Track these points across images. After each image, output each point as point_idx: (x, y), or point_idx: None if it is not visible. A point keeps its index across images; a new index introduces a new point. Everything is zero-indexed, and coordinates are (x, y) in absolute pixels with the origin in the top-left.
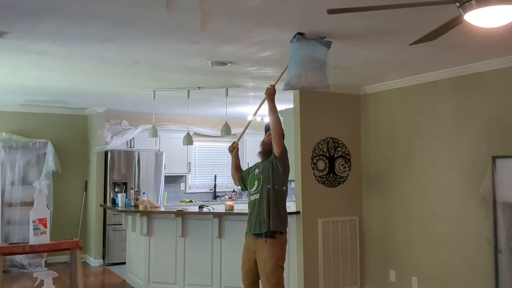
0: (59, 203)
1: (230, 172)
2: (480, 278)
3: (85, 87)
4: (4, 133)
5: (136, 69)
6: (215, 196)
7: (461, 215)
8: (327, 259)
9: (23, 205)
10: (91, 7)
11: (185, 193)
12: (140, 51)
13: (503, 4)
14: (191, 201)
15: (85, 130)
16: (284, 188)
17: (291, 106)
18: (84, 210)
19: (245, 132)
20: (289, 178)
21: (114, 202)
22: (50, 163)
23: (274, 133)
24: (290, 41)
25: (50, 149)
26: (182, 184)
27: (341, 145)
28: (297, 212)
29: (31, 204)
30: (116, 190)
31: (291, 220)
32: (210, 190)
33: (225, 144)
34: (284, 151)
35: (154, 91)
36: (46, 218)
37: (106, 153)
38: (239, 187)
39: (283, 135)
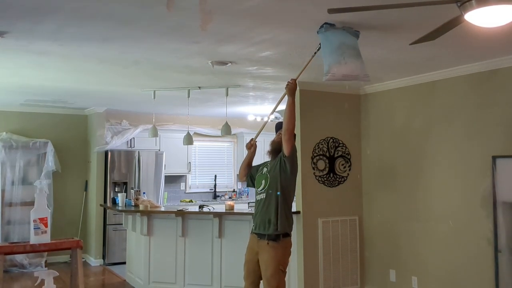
0: (59, 203)
1: (240, 167)
2: (480, 277)
3: (85, 87)
4: (4, 133)
5: (136, 69)
6: (215, 196)
7: (462, 215)
8: (327, 258)
9: (23, 205)
10: (92, 7)
11: (185, 193)
12: (140, 51)
13: (503, 4)
14: (191, 201)
15: (85, 130)
16: (292, 188)
17: None
18: (84, 210)
19: (242, 131)
20: None
21: (114, 202)
22: (50, 163)
23: (286, 130)
24: (317, 32)
25: (50, 149)
26: (182, 184)
27: (341, 144)
28: (297, 212)
29: (31, 204)
30: (116, 190)
31: None
32: (210, 190)
33: (225, 144)
34: (293, 151)
35: (154, 91)
36: (46, 217)
37: (106, 153)
38: (241, 184)
39: (295, 135)
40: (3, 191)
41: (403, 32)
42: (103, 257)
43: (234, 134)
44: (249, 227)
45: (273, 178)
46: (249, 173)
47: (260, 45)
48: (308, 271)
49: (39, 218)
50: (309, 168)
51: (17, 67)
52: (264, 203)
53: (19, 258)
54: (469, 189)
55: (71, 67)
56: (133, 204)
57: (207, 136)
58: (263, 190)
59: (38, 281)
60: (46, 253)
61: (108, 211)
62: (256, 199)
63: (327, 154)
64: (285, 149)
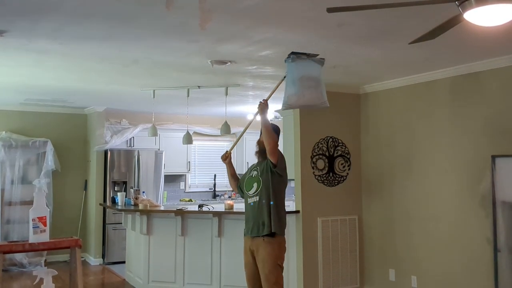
0: (59, 202)
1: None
2: (480, 277)
3: (85, 86)
4: (4, 132)
5: (135, 68)
6: (214, 195)
7: (461, 214)
8: (326, 258)
9: (22, 204)
10: (91, 5)
11: (184, 192)
12: (140, 50)
13: (502, 2)
14: (190, 200)
15: (84, 129)
16: (283, 190)
17: None
18: (84, 209)
19: (245, 131)
20: (289, 177)
21: (113, 201)
22: (49, 162)
23: (268, 145)
24: (285, 61)
25: (49, 148)
26: (182, 183)
27: (340, 144)
28: (297, 211)
29: (30, 203)
30: (115, 189)
31: (290, 219)
32: (210, 189)
33: (225, 143)
34: (280, 159)
35: (154, 90)
36: (45, 216)
37: (105, 152)
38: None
39: (278, 134)
40: (2, 190)
41: (402, 31)
42: (103, 256)
43: (233, 134)
44: None
45: (265, 181)
46: (239, 184)
47: (260, 44)
48: (307, 270)
49: (38, 217)
50: (309, 167)
51: (17, 66)
52: (258, 206)
53: (19, 257)
54: (468, 188)
55: (71, 66)
56: (133, 203)
57: (207, 136)
58: (255, 193)
59: (37, 280)
60: (45, 252)
61: (107, 210)
62: (247, 201)
63: (327, 154)
64: (273, 160)
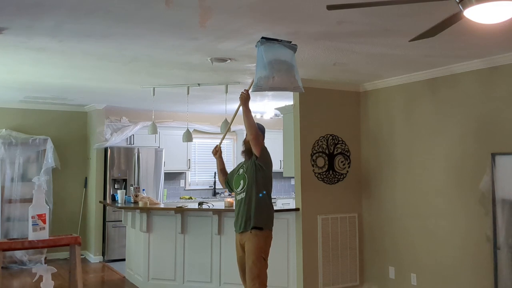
0: (59, 199)
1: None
2: (479, 274)
3: (84, 84)
4: (4, 130)
5: (135, 66)
6: (214, 193)
7: (461, 212)
8: (326, 255)
9: (22, 201)
10: (90, 3)
11: (184, 189)
12: (139, 48)
13: (502, 0)
14: (190, 198)
15: (84, 126)
16: (269, 185)
17: (291, 103)
18: (84, 207)
19: (242, 129)
20: (288, 175)
21: (113, 198)
22: (49, 159)
23: (250, 136)
24: (255, 46)
25: (49, 146)
26: (182, 181)
27: (340, 142)
28: (297, 209)
29: (30, 200)
30: (115, 187)
31: (290, 217)
32: (210, 187)
33: (225, 141)
34: (263, 150)
35: (154, 87)
36: (45, 214)
37: (105, 150)
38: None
39: (263, 132)
40: (2, 187)
41: (402, 29)
42: (103, 254)
43: (233, 131)
44: None
45: (251, 178)
46: (227, 179)
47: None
48: (307, 268)
49: (37, 215)
50: (309, 165)
51: (16, 63)
52: (244, 202)
53: (19, 254)
54: (468, 186)
55: (71, 63)
56: (133, 201)
57: (207, 133)
58: (242, 190)
59: (36, 277)
60: (45, 249)
61: (107, 208)
62: (236, 199)
63: (327, 151)
64: (255, 151)
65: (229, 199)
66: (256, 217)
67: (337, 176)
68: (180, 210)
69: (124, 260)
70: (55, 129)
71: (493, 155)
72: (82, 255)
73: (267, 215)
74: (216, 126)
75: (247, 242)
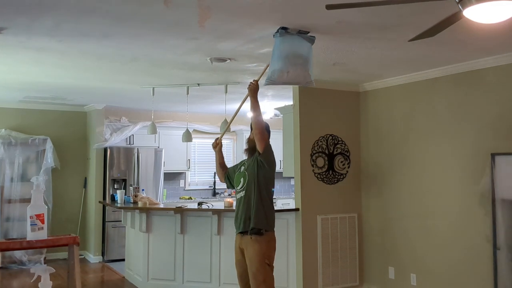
0: (59, 199)
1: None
2: (479, 275)
3: (84, 84)
4: (3, 130)
5: (135, 66)
6: (214, 193)
7: (460, 212)
8: (326, 256)
9: (22, 201)
10: (90, 3)
11: (184, 190)
12: (139, 47)
13: None
14: (190, 198)
15: (84, 126)
16: (270, 185)
17: (291, 103)
18: (83, 207)
19: (242, 129)
20: (288, 175)
21: (113, 198)
22: (49, 159)
23: (256, 130)
24: (273, 36)
25: (49, 146)
26: (182, 181)
27: (340, 142)
28: (296, 209)
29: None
30: (115, 187)
31: (290, 217)
32: (210, 187)
33: (225, 141)
34: (267, 147)
35: (153, 87)
36: (43, 213)
37: (105, 150)
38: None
39: (268, 132)
40: (2, 187)
41: (402, 29)
42: (102, 254)
43: (233, 131)
44: None
45: (251, 175)
46: (226, 174)
47: (259, 41)
48: (307, 268)
49: (35, 215)
50: (308, 165)
51: (15, 63)
52: (244, 200)
53: (18, 254)
54: (468, 186)
55: (70, 63)
56: (132, 201)
57: (206, 133)
58: (242, 188)
59: (35, 277)
60: (45, 250)
61: (107, 208)
62: (236, 197)
63: (326, 151)
64: (259, 147)
65: (229, 199)
66: (256, 217)
67: (336, 176)
68: (180, 210)
69: (123, 260)
70: (55, 129)
71: (493, 155)
72: (81, 255)
73: (267, 215)
74: (215, 126)
75: (248, 248)
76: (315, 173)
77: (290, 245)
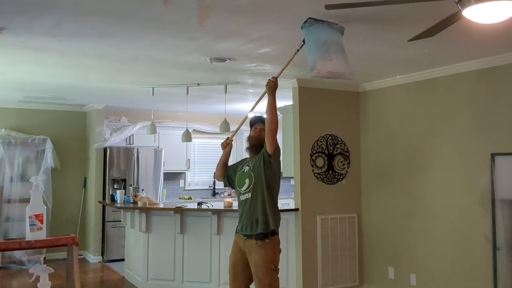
0: (58, 199)
1: (216, 167)
2: (479, 275)
3: (84, 84)
4: (3, 130)
5: (134, 65)
6: (214, 193)
7: (460, 213)
8: (325, 256)
9: (22, 201)
10: (89, 3)
11: (184, 190)
12: (138, 47)
13: None
14: (190, 198)
15: (84, 126)
16: (277, 185)
17: (290, 103)
18: (83, 207)
19: (242, 128)
20: (288, 175)
21: (113, 198)
22: (49, 159)
23: (270, 131)
24: (301, 27)
25: (49, 146)
26: (181, 181)
27: (340, 142)
28: (296, 209)
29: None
30: (115, 187)
31: (290, 217)
32: (210, 187)
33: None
34: (277, 149)
35: (153, 87)
36: (42, 214)
37: (105, 150)
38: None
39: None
40: (1, 187)
41: (401, 29)
42: (102, 254)
43: (233, 131)
44: None
45: (258, 176)
46: (226, 173)
47: (259, 41)
48: (306, 268)
49: (34, 215)
50: (308, 165)
51: (15, 63)
52: (250, 203)
53: (18, 254)
54: (468, 186)
55: (70, 63)
56: (132, 201)
57: (206, 133)
58: (247, 190)
59: (34, 277)
60: (44, 250)
61: (107, 208)
62: (239, 199)
63: (326, 152)
64: (269, 149)
65: (229, 199)
66: (264, 220)
67: (336, 176)
68: (180, 210)
69: (123, 260)
70: (54, 129)
71: (493, 155)
72: (81, 255)
73: (274, 218)
74: (215, 126)
75: (252, 253)
76: (315, 173)
77: (290, 245)
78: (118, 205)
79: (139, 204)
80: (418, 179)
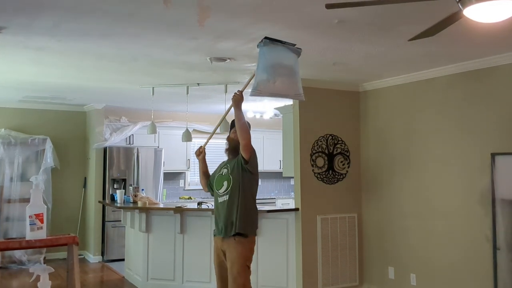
0: (58, 199)
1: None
2: (479, 275)
3: (83, 83)
4: (3, 129)
5: (134, 65)
6: None
7: (460, 212)
8: (326, 256)
9: (22, 201)
10: (89, 2)
11: (184, 189)
12: (138, 47)
13: None
14: (190, 198)
15: (84, 126)
16: (255, 187)
17: (290, 102)
18: (83, 207)
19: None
20: (288, 175)
21: (113, 198)
22: (49, 159)
23: (242, 140)
24: (257, 46)
25: (49, 146)
26: (181, 181)
27: (340, 142)
28: (296, 209)
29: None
30: (115, 187)
31: (290, 217)
32: None
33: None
34: (252, 155)
35: (153, 87)
36: (42, 213)
37: (105, 150)
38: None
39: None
40: (1, 187)
41: (401, 28)
42: (102, 254)
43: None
44: None
45: (236, 180)
46: (208, 183)
47: (259, 41)
48: (306, 268)
49: (35, 214)
50: (308, 165)
51: (15, 63)
52: (227, 205)
53: (18, 254)
54: (468, 186)
55: (69, 63)
56: (132, 201)
57: (206, 133)
58: (225, 192)
59: (34, 277)
60: (44, 249)
61: (107, 207)
62: (217, 200)
63: (326, 151)
64: (245, 156)
65: None
66: (240, 222)
67: (336, 176)
68: (179, 210)
69: (123, 260)
70: (54, 129)
71: (493, 155)
72: (81, 255)
73: (251, 220)
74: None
75: (229, 250)
76: (315, 173)
77: (290, 245)
78: (118, 205)
79: (139, 204)
80: (418, 179)
